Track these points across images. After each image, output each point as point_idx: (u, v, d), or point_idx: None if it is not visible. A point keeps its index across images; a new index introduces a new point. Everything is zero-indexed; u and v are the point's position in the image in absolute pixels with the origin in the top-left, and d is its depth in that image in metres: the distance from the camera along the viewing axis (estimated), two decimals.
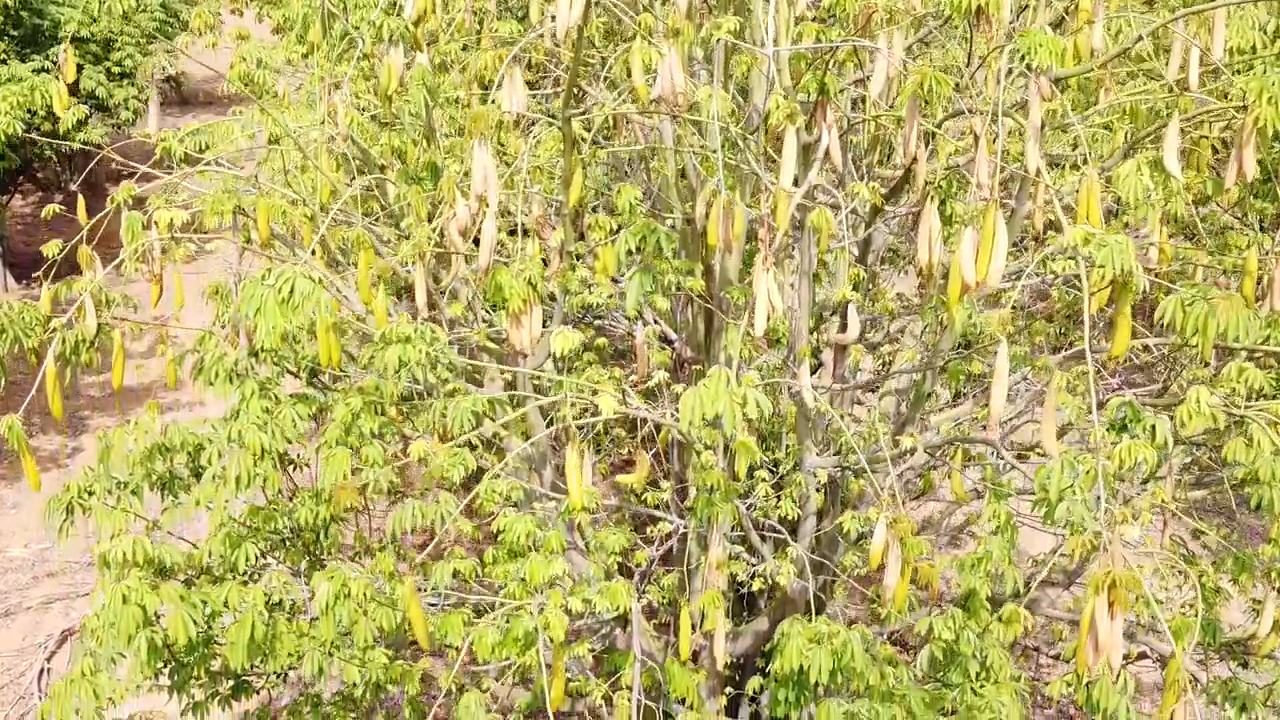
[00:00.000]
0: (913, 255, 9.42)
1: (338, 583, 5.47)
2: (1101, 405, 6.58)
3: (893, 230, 8.78)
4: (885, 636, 7.53)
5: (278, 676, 8.33)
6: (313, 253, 6.54)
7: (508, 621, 5.59)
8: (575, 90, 5.98)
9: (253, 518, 7.17)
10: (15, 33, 19.71)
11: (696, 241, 8.27)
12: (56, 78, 8.19)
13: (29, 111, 20.11)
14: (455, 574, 5.90)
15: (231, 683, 8.14)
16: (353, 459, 6.57)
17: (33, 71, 19.35)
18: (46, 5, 20.00)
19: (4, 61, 18.82)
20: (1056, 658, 8.76)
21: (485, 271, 5.89)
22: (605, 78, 7.48)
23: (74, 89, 19.95)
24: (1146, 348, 6.53)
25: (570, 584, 6.25)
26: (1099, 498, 4.73)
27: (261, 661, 7.10)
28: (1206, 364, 6.17)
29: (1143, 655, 8.41)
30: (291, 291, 4.94)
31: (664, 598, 8.77)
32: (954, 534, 9.48)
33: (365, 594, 5.44)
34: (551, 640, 5.36)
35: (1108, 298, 4.92)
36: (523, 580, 5.66)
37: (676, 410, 6.38)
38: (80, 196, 8.20)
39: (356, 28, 7.76)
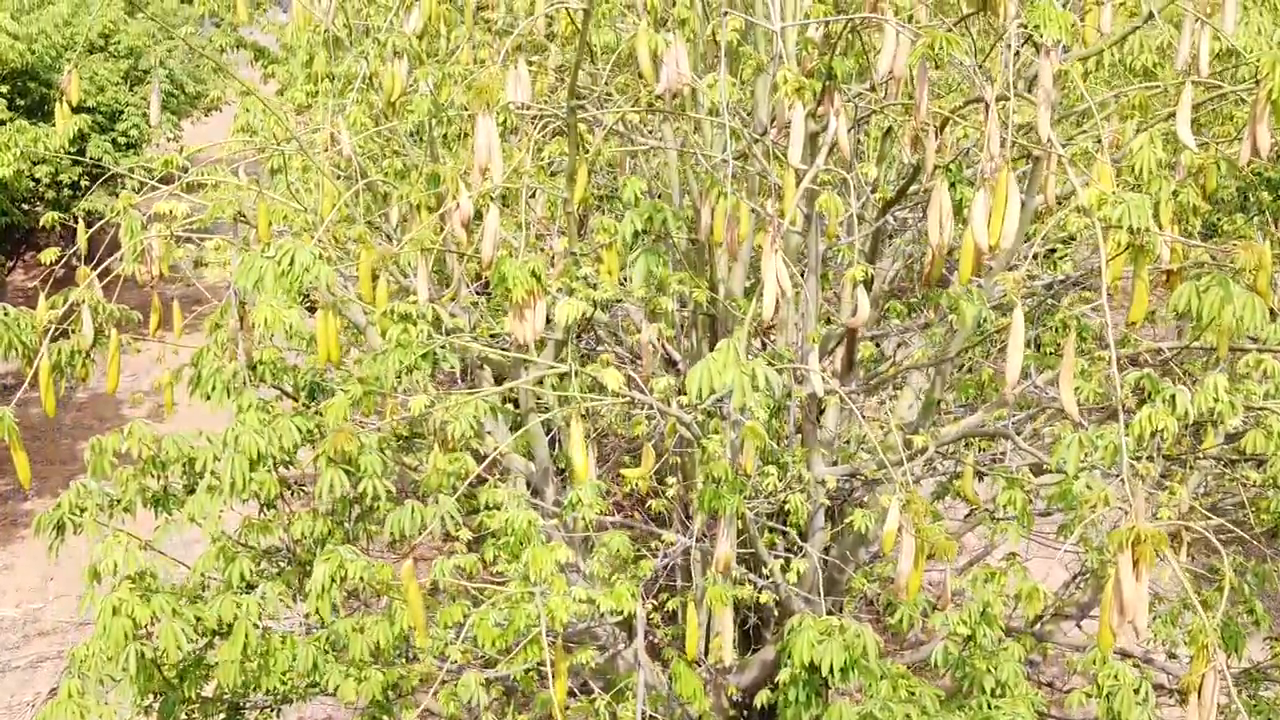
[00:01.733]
0: (919, 296, 9.35)
1: (334, 563, 5.30)
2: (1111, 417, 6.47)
3: (902, 244, 8.71)
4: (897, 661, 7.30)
5: (272, 711, 8.09)
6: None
7: (508, 619, 5.41)
8: (578, 79, 5.94)
9: (247, 533, 7.01)
10: (21, 102, 19.82)
11: (701, 263, 8.20)
12: (61, 99, 8.14)
13: (33, 178, 20.02)
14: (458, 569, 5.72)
15: (223, 716, 7.90)
16: (350, 477, 6.45)
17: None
18: (53, 75, 20.13)
19: (4, 122, 18.91)
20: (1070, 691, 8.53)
21: (488, 266, 5.80)
22: (605, 91, 7.46)
23: (80, 154, 20.01)
24: (1158, 351, 6.42)
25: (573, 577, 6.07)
26: (1118, 475, 4.60)
27: (254, 686, 6.90)
28: (1219, 362, 6.05)
29: (1160, 686, 8.17)
30: (291, 263, 4.84)
31: (667, 635, 8.56)
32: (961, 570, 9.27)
33: (361, 578, 5.26)
34: (555, 627, 5.17)
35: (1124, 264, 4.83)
36: (526, 578, 5.49)
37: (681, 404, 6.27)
38: (81, 220, 8.15)
39: (362, 52, 7.78)
